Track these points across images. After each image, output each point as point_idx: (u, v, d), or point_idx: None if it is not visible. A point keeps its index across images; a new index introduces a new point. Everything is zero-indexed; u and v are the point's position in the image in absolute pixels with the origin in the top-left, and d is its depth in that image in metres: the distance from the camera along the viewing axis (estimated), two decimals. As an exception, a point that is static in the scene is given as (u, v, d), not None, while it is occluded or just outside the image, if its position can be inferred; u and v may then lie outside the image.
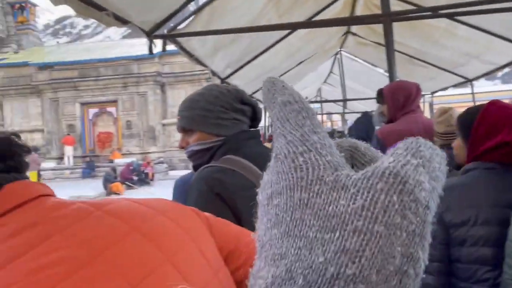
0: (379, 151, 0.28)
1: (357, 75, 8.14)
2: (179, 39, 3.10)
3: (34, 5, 25.53)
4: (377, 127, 2.99)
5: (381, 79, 6.38)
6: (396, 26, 3.03)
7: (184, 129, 1.26)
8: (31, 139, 19.72)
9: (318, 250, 0.20)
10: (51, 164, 18.78)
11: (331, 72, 9.31)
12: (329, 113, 16.29)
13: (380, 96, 2.29)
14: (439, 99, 9.04)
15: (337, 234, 0.20)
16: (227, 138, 1.19)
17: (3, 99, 20.21)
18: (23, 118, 19.99)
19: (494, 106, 1.33)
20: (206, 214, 0.72)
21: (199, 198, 1.08)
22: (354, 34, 5.89)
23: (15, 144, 0.64)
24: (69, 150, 18.59)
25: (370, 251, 0.19)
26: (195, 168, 1.23)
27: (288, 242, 0.21)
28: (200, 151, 1.22)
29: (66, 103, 19.46)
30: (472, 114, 1.36)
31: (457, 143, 1.47)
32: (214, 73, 4.09)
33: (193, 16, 3.04)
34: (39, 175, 14.82)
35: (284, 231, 0.21)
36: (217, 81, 4.40)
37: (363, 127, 3.01)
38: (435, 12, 3.14)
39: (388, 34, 2.75)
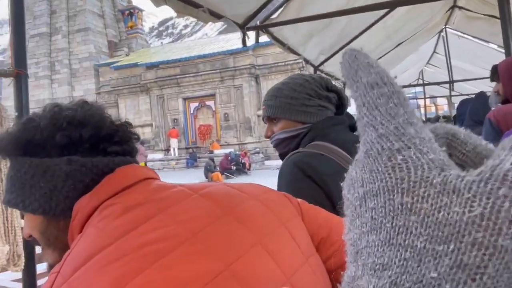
0: (482, 138, 0.24)
1: (465, 53, 7.34)
2: (272, 29, 3.11)
3: (141, 10, 27.98)
4: (493, 109, 2.65)
5: (495, 56, 5.67)
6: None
7: (270, 118, 1.26)
8: (142, 133, 21.79)
9: (429, 263, 0.18)
10: (159, 155, 20.55)
11: (434, 52, 8.55)
12: (433, 97, 15.05)
13: (495, 73, 2.02)
14: None
15: (452, 246, 0.17)
16: (313, 125, 1.18)
17: (118, 97, 22.64)
18: (135, 114, 22.16)
19: None
20: (298, 200, 0.71)
21: (291, 182, 1.07)
22: (461, 8, 5.32)
23: (130, 131, 0.72)
24: (174, 142, 20.13)
25: (494, 268, 0.17)
26: (282, 156, 1.23)
27: (390, 251, 0.19)
28: (286, 139, 1.21)
29: (170, 98, 21.04)
30: None
31: None
32: (307, 61, 4.04)
33: (284, 5, 3.03)
34: (145, 166, 16.23)
35: (385, 238, 0.19)
36: (310, 69, 4.34)
37: (478, 110, 2.67)
38: None
39: (503, 3, 2.43)
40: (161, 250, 0.52)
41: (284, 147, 1.23)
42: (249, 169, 16.25)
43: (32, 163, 0.64)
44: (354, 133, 1.36)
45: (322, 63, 4.31)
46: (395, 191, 0.19)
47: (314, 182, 1.05)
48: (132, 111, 22.29)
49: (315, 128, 1.17)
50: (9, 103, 1.61)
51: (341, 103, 1.26)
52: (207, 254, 0.53)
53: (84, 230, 0.60)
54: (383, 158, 0.20)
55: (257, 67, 19.49)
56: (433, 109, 19.39)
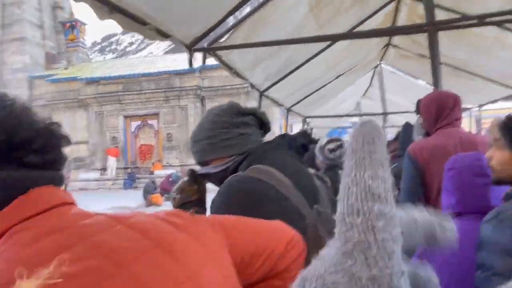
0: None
1: (398, 88, 7.91)
2: (219, 52, 3.14)
3: (83, 24, 27.02)
4: (416, 140, 2.88)
5: (424, 92, 6.15)
6: (441, 37, 2.92)
7: (201, 163, 1.25)
8: (77, 151, 20.66)
9: None
10: (95, 175, 19.53)
11: (370, 85, 9.12)
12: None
13: (418, 106, 2.18)
14: (487, 113, 8.62)
15: None
16: (252, 150, 1.16)
17: (53, 112, 21.39)
18: (71, 131, 21.00)
19: None
20: (222, 222, 0.70)
21: (222, 207, 1.04)
22: (395, 46, 5.76)
23: (56, 135, 0.62)
24: (112, 161, 19.28)
25: None
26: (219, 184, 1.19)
27: None
28: (217, 172, 1.19)
29: (110, 116, 20.28)
30: None
31: (501, 156, 1.21)
32: (253, 86, 4.11)
33: (233, 29, 3.08)
34: (65, 189, 15.17)
35: None
36: (256, 94, 4.42)
37: (407, 139, 2.90)
38: (483, 20, 3.00)
39: (433, 44, 2.66)
40: (83, 286, 0.46)
41: (218, 179, 1.20)
42: (190, 192, 15.93)
43: None
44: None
45: (267, 88, 4.42)
46: None
47: (246, 208, 1.00)
48: (67, 127, 21.00)
49: (253, 153, 1.15)
50: None
51: (262, 123, 1.26)
52: None
53: None
54: None
55: (203, 89, 19.48)
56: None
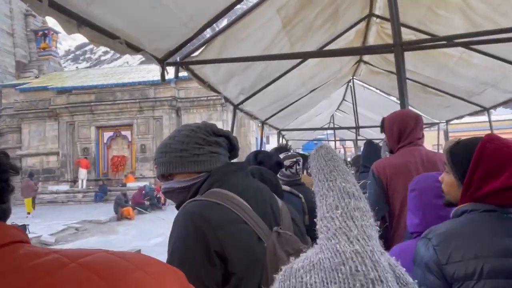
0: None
1: (369, 102, 8.10)
2: (192, 66, 3.13)
3: (57, 32, 26.45)
4: (383, 156, 2.95)
5: (394, 107, 6.34)
6: (409, 55, 3.01)
7: (164, 176, 1.22)
8: (47, 162, 20.02)
9: None
10: (64, 187, 18.94)
11: (343, 99, 9.30)
12: (342, 140, 16.19)
13: (383, 125, 2.22)
14: (454, 127, 8.92)
15: None
16: (212, 171, 1.16)
17: (22, 122, 20.71)
18: (40, 141, 20.37)
19: (492, 144, 1.15)
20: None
21: (181, 238, 1.02)
22: (366, 62, 5.91)
23: (2, 166, 0.58)
24: (83, 173, 18.75)
25: None
26: (178, 207, 1.17)
27: None
28: (181, 189, 1.18)
29: (82, 126, 19.81)
30: (466, 150, 1.19)
31: (448, 180, 1.26)
32: (227, 100, 4.11)
33: (206, 44, 3.08)
34: (34, 201, 14.60)
35: None
36: (230, 108, 4.43)
37: (369, 157, 2.96)
38: (449, 42, 3.12)
39: (399, 63, 2.73)
40: None
41: (180, 197, 1.19)
42: (164, 204, 15.66)
43: None
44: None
45: (241, 102, 4.43)
46: None
47: (205, 237, 1.00)
48: (37, 137, 20.46)
49: (214, 174, 1.15)
50: None
51: (232, 147, 1.27)
52: None
53: None
54: (355, 281, 0.23)
55: (178, 100, 19.31)
56: (342, 151, 20.76)
